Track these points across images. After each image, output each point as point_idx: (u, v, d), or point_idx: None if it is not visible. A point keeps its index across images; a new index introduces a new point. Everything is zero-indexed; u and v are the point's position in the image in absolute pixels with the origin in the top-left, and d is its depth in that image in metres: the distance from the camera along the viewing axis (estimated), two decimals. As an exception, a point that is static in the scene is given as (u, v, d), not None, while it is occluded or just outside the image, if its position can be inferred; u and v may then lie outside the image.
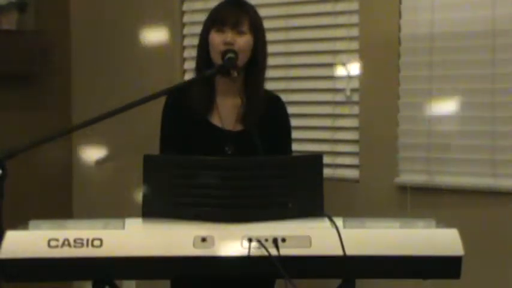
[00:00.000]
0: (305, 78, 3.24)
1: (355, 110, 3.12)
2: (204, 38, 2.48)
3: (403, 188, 2.98)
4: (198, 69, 2.53)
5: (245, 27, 2.43)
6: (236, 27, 2.42)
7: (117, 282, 1.90)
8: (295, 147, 2.66)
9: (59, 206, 3.70)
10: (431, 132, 2.93)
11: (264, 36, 2.51)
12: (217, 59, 2.40)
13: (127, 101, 2.01)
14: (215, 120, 2.50)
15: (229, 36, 2.40)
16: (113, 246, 1.79)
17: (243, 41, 2.42)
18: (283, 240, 1.81)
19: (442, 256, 1.83)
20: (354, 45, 3.11)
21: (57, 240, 1.78)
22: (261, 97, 2.50)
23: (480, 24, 2.83)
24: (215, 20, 2.45)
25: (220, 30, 2.42)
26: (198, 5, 3.45)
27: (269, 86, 2.58)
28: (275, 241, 1.81)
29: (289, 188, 1.92)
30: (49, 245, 1.78)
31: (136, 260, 1.80)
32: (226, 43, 2.39)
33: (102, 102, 3.55)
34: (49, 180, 3.68)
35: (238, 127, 2.51)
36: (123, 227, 1.84)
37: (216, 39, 2.42)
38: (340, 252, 1.80)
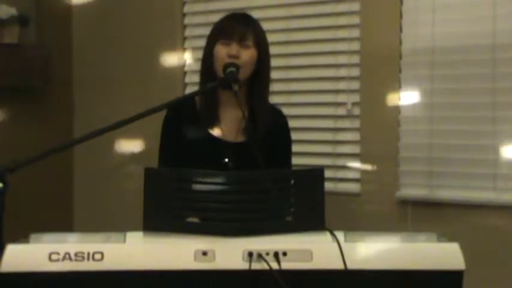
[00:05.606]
0: (306, 92, 3.25)
1: (356, 123, 3.12)
2: (208, 50, 2.48)
3: (404, 202, 2.97)
4: (202, 81, 2.53)
5: (250, 41, 2.44)
6: (242, 41, 2.42)
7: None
8: (296, 160, 2.66)
9: (60, 219, 3.69)
10: (432, 146, 2.93)
11: (268, 51, 2.51)
12: (220, 72, 2.40)
13: (129, 113, 2.01)
14: (216, 132, 2.50)
15: (234, 49, 2.41)
16: (114, 260, 1.78)
17: (248, 55, 2.42)
18: (285, 254, 1.80)
19: (443, 270, 1.82)
20: (355, 59, 3.11)
21: (58, 253, 1.77)
22: (265, 110, 2.50)
23: (481, 39, 2.83)
24: (221, 33, 2.45)
25: (226, 43, 2.42)
26: (200, 19, 3.47)
27: (270, 99, 2.58)
28: (276, 255, 1.80)
29: (290, 201, 1.92)
30: (50, 259, 1.77)
31: (137, 273, 1.79)
32: (231, 56, 2.39)
33: (103, 115, 3.56)
34: (50, 193, 3.67)
35: (240, 139, 2.50)
36: (124, 241, 1.83)
37: (222, 51, 2.42)
38: (341, 266, 1.79)
